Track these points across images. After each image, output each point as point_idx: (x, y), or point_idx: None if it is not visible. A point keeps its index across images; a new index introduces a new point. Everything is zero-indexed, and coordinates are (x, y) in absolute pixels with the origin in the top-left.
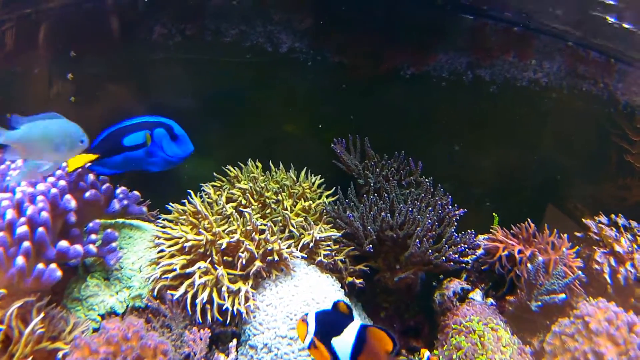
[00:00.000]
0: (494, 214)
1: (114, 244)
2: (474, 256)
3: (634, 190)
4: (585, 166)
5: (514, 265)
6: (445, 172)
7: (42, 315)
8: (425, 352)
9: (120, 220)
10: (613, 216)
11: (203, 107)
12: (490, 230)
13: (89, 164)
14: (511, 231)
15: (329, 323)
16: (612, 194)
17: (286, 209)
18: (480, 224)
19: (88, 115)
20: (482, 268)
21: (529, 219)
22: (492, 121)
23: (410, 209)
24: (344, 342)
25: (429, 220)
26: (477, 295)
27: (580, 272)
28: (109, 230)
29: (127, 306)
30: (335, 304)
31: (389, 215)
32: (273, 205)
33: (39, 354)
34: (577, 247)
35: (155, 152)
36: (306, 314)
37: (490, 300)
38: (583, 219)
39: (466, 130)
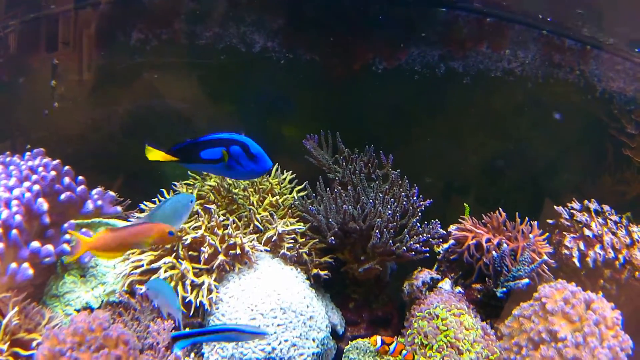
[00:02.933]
0: (465, 204)
1: None
2: (445, 246)
3: (607, 179)
4: (564, 156)
5: (483, 254)
6: (421, 165)
7: (16, 309)
8: (377, 338)
9: (97, 219)
10: (586, 202)
11: (180, 108)
12: (460, 220)
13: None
14: (482, 220)
15: None
16: (594, 182)
17: (252, 205)
18: (459, 215)
19: (71, 120)
20: (451, 258)
21: (500, 209)
22: (467, 113)
23: (371, 200)
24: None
25: (390, 211)
26: (446, 284)
27: (546, 257)
28: (83, 229)
29: (102, 301)
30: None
31: (351, 207)
32: (240, 201)
33: (17, 343)
34: (548, 233)
35: (234, 166)
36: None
37: (458, 288)
38: (554, 206)
39: (442, 123)
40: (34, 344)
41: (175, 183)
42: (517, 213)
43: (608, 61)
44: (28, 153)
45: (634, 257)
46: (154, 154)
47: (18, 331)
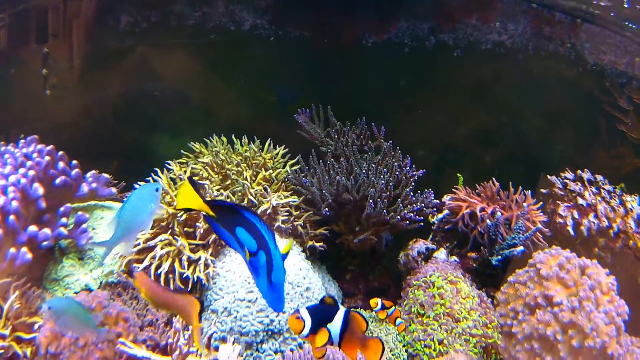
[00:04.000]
0: (458, 174)
1: (84, 226)
2: (440, 216)
3: (599, 152)
4: (557, 128)
5: (477, 223)
6: (413, 138)
7: (17, 293)
8: (377, 300)
9: (93, 202)
10: (579, 172)
11: (172, 89)
12: (453, 190)
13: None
14: (476, 190)
15: (321, 314)
16: (588, 156)
17: (246, 179)
18: (452, 187)
19: (64, 107)
20: (446, 227)
21: (493, 178)
22: (458, 84)
23: (364, 171)
24: (334, 326)
25: (383, 182)
26: (441, 254)
27: (541, 225)
28: (79, 212)
29: (101, 282)
30: (322, 299)
31: (344, 178)
32: (233, 177)
33: (19, 327)
34: (542, 203)
35: (253, 264)
36: (297, 310)
37: (454, 258)
38: (548, 176)
39: (433, 95)
40: (36, 326)
41: (169, 162)
42: (510, 182)
43: (599, 34)
44: (22, 141)
45: (628, 226)
46: (185, 200)
47: (20, 316)
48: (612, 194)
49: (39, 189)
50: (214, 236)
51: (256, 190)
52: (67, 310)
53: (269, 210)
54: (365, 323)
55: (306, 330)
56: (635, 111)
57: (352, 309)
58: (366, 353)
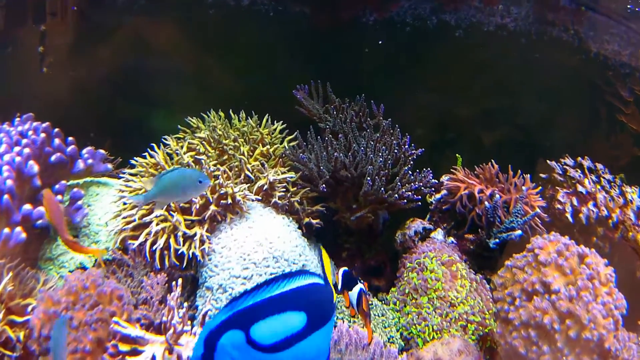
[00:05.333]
0: (457, 155)
1: (79, 202)
2: (438, 196)
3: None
4: (557, 114)
5: (476, 205)
6: (413, 117)
7: (10, 275)
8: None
9: (89, 179)
10: (579, 158)
11: (170, 64)
12: (452, 170)
13: None
14: (475, 172)
15: (347, 280)
16: (587, 144)
17: (243, 155)
18: (451, 167)
19: (60, 84)
20: (443, 208)
21: (492, 160)
22: (459, 65)
23: (362, 148)
24: (352, 294)
25: (381, 159)
26: (438, 234)
27: (539, 210)
28: (74, 189)
29: (95, 260)
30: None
31: (342, 155)
32: (230, 152)
33: (12, 310)
34: (540, 187)
35: None
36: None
37: (451, 239)
38: (547, 161)
39: (433, 75)
40: (29, 308)
41: (166, 137)
42: (509, 165)
43: (603, 24)
44: (17, 119)
45: (628, 218)
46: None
47: (13, 297)
48: (612, 183)
49: (34, 166)
50: (209, 212)
51: (253, 165)
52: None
53: (265, 186)
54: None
55: (339, 287)
56: (636, 103)
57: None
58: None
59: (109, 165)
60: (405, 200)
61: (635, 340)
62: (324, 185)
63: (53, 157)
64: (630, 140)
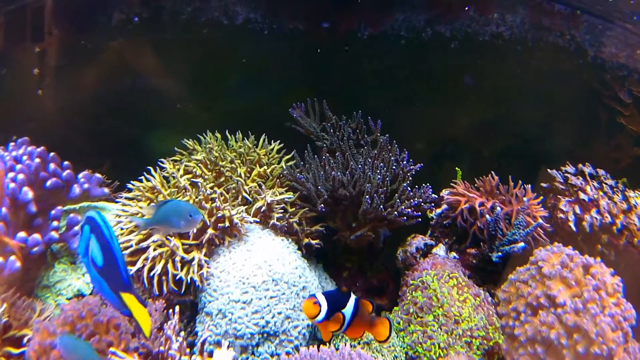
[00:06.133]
0: (456, 168)
1: (76, 228)
2: (438, 211)
3: (598, 145)
4: (556, 121)
5: (477, 218)
6: (411, 131)
7: (5, 306)
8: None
9: (85, 203)
10: (580, 165)
11: (166, 85)
12: (452, 184)
13: None
14: (475, 185)
15: (336, 300)
16: (587, 148)
17: (240, 176)
18: (451, 181)
19: (56, 106)
20: (444, 223)
21: (492, 172)
22: (455, 77)
23: (360, 166)
24: (347, 312)
25: (379, 176)
26: (440, 250)
27: (542, 220)
28: (71, 215)
29: (93, 288)
30: (339, 288)
31: (340, 173)
32: (227, 174)
33: (8, 342)
34: (542, 197)
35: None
36: (313, 295)
37: (453, 254)
38: (548, 169)
39: (430, 88)
40: (25, 340)
41: (162, 160)
42: (510, 176)
43: (599, 26)
44: (12, 143)
45: (632, 223)
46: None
47: (9, 329)
48: (615, 188)
49: (28, 193)
50: (207, 235)
51: (250, 187)
52: (75, 348)
53: (263, 208)
54: (372, 305)
55: (322, 315)
56: (635, 104)
57: (363, 298)
58: (375, 330)
59: (106, 190)
60: (405, 217)
61: None
62: (322, 205)
63: (48, 183)
64: (630, 142)
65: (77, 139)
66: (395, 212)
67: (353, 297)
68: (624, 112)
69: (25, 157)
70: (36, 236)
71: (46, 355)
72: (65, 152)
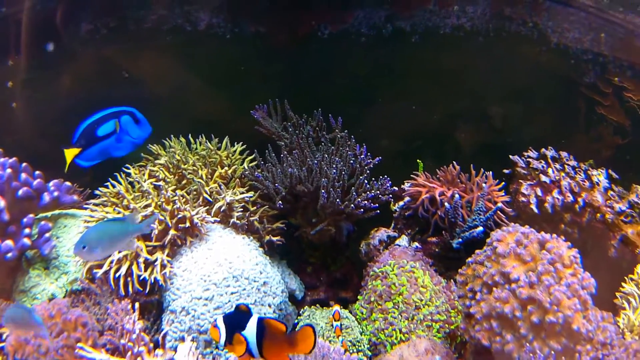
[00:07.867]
0: (418, 160)
1: (47, 235)
2: (401, 203)
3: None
4: (527, 112)
5: (438, 208)
6: (375, 128)
7: None
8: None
9: (57, 211)
10: (543, 150)
11: (134, 92)
12: (412, 175)
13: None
14: (436, 175)
15: (235, 322)
16: (565, 140)
17: (201, 178)
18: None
19: (33, 119)
20: (406, 214)
21: (454, 162)
22: (417, 71)
23: (317, 162)
24: (250, 332)
25: (335, 170)
26: (402, 241)
27: (501, 204)
28: (42, 222)
29: (67, 290)
30: (238, 307)
31: (296, 170)
32: (190, 176)
33: None
34: (504, 183)
35: (123, 137)
36: (215, 320)
37: (415, 244)
38: (510, 156)
39: (393, 83)
40: (4, 336)
41: (128, 166)
42: (471, 165)
43: (561, 12)
44: None
45: (594, 200)
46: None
47: None
48: (577, 169)
49: (0, 202)
50: (169, 237)
51: (211, 187)
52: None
53: (224, 207)
54: (284, 325)
55: (222, 340)
56: (597, 89)
57: (267, 317)
58: (297, 349)
59: (75, 197)
60: (362, 210)
61: (611, 319)
62: (280, 201)
63: (20, 192)
64: (611, 132)
65: (53, 150)
66: (352, 205)
67: (255, 316)
68: (604, 102)
69: None
70: (8, 242)
71: (22, 349)
72: (42, 163)
